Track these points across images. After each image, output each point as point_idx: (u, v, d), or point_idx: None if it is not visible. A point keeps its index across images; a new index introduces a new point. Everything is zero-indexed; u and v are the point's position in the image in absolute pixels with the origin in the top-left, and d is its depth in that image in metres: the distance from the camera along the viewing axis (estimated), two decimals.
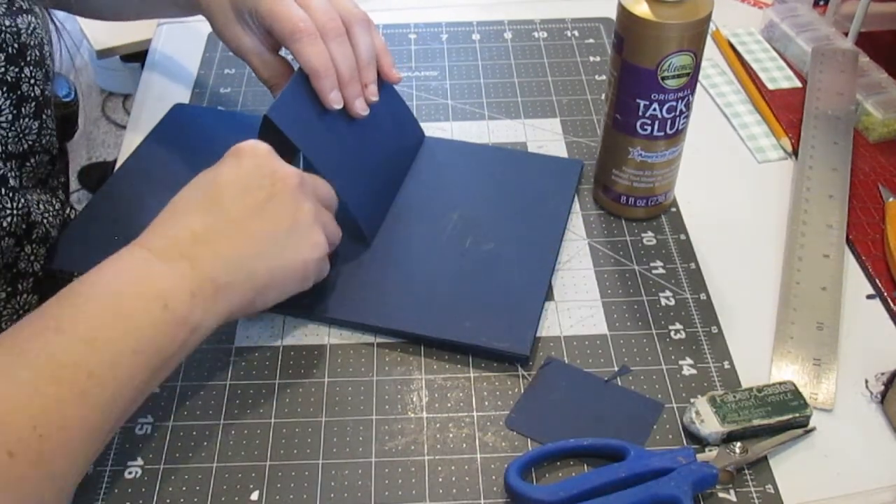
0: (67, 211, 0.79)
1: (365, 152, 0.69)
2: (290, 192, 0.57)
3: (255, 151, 0.58)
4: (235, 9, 0.69)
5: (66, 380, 0.47)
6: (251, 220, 0.56)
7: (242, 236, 0.55)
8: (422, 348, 0.62)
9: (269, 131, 0.62)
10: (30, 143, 0.70)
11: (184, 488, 0.55)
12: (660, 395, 0.59)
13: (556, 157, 0.77)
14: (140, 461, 0.56)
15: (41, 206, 0.71)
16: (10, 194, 0.65)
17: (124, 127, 2.11)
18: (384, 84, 0.70)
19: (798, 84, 0.86)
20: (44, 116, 0.71)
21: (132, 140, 0.82)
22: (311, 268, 0.58)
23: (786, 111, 0.83)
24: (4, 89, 0.66)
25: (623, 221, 0.72)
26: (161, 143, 0.77)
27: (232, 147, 0.58)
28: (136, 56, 1.84)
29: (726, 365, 0.61)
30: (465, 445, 0.57)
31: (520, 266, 0.66)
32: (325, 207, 0.61)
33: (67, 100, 1.12)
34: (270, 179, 0.57)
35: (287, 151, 0.62)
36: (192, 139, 0.78)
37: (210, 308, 0.53)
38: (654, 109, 0.65)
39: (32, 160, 0.71)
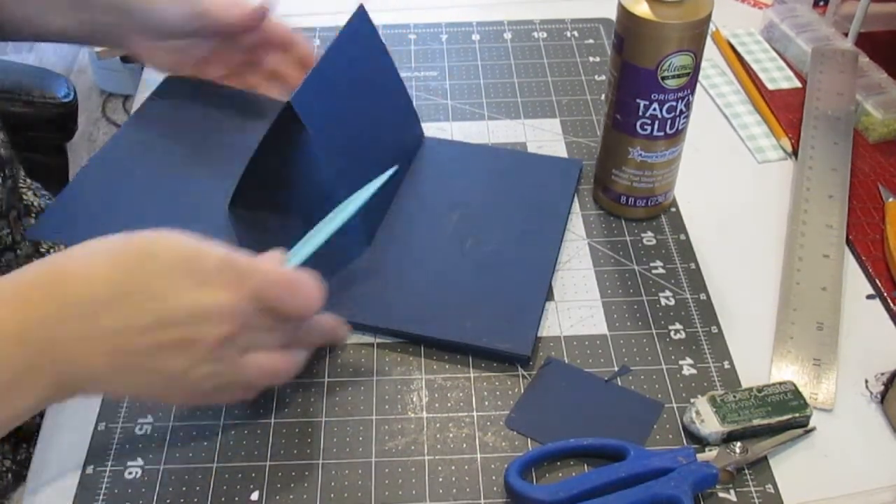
0: None
1: (366, 149, 0.69)
2: (208, 349, 0.48)
3: (219, 277, 0.49)
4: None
5: None
6: (146, 355, 0.48)
7: (122, 362, 0.48)
8: (422, 348, 0.62)
9: (281, 125, 0.62)
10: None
11: (184, 488, 0.55)
12: (660, 395, 0.59)
13: (555, 157, 0.77)
14: (140, 461, 0.56)
15: None
16: None
17: None
18: (390, 79, 0.70)
19: (798, 84, 0.86)
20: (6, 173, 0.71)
21: None
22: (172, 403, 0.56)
23: (786, 111, 0.83)
24: None
25: (623, 221, 0.72)
26: (152, 115, 0.77)
27: (196, 255, 0.49)
28: None
29: (726, 365, 0.61)
30: (465, 445, 0.57)
31: (520, 266, 0.66)
32: (264, 349, 0.52)
33: (66, 100, 1.12)
34: (202, 326, 0.48)
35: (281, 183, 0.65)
36: (183, 112, 0.77)
37: (55, 400, 0.48)
38: (654, 109, 0.65)
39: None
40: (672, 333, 0.63)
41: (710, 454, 0.54)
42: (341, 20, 0.95)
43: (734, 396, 0.57)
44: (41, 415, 0.72)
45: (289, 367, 0.53)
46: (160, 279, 0.47)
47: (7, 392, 0.46)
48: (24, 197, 0.80)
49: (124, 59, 2.20)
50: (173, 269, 0.48)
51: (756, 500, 0.53)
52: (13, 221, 0.74)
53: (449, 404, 0.59)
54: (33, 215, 0.78)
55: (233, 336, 0.49)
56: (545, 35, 0.94)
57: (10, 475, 0.70)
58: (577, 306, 0.65)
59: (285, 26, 0.77)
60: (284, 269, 0.52)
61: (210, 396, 0.52)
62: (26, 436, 0.72)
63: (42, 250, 0.78)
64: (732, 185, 0.76)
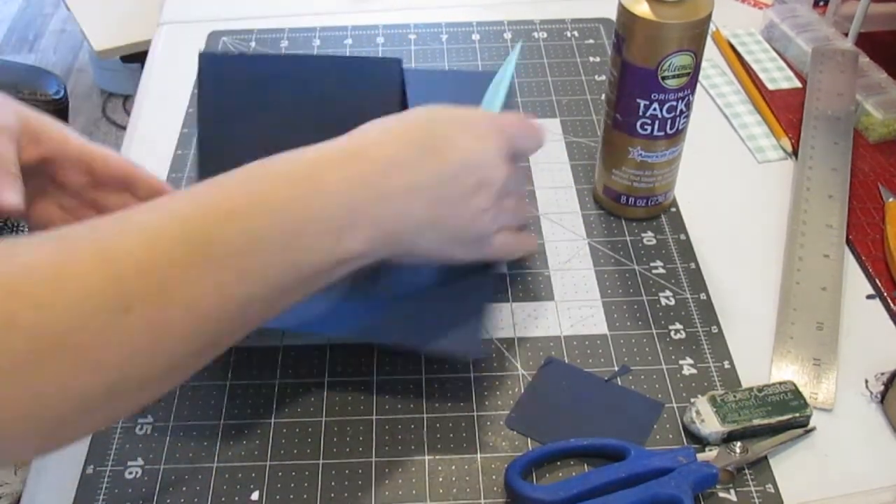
0: None
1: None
2: (487, 203, 0.55)
3: (480, 132, 0.55)
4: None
5: (216, 260, 0.45)
6: (444, 206, 0.53)
7: (432, 212, 0.53)
8: None
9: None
10: None
11: (184, 488, 0.55)
12: (660, 395, 0.59)
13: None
14: (140, 461, 0.56)
15: None
16: None
17: (124, 128, 2.11)
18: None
19: (798, 84, 0.86)
20: None
21: (132, 141, 0.82)
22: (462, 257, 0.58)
23: (786, 111, 0.83)
24: None
25: (623, 221, 0.72)
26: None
27: (501, 115, 0.59)
28: (136, 56, 1.84)
29: (726, 365, 0.61)
30: (465, 445, 0.57)
31: None
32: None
33: (57, 97, 1.13)
34: (480, 180, 0.54)
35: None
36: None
37: (376, 253, 0.52)
38: (655, 109, 0.65)
39: None
40: (672, 333, 0.63)
41: (710, 454, 0.54)
42: (341, 20, 0.96)
43: (734, 396, 0.57)
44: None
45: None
46: (450, 134, 0.54)
47: (343, 231, 0.50)
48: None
49: (125, 59, 2.21)
50: (454, 125, 0.55)
51: (756, 500, 0.53)
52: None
53: (449, 404, 0.59)
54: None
55: (503, 191, 0.55)
56: (545, 35, 0.94)
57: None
58: (577, 306, 0.65)
59: (122, 161, 0.66)
60: (522, 118, 0.59)
61: (488, 254, 0.58)
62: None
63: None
64: (732, 185, 0.76)
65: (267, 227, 0.47)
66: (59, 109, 1.12)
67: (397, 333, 0.60)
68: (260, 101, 0.65)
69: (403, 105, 0.67)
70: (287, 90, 0.65)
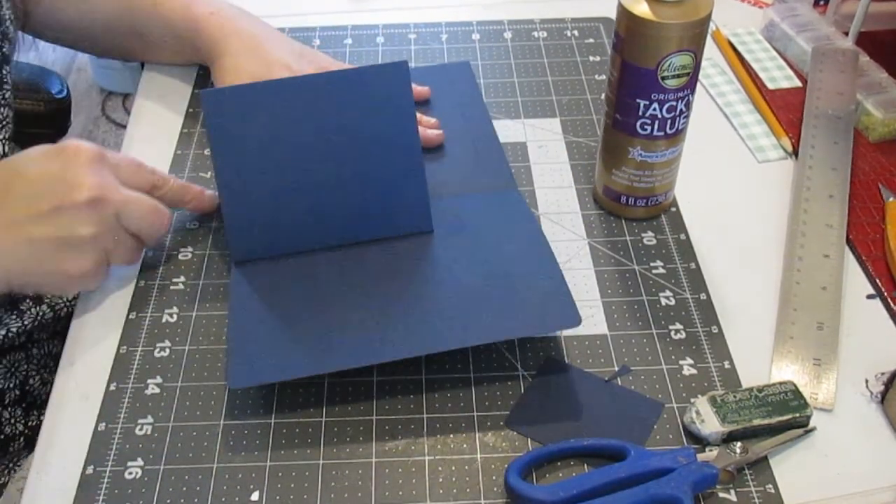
0: None
1: (309, 192, 0.66)
2: (78, 209, 0.58)
3: (75, 153, 0.60)
4: None
5: None
6: (28, 224, 0.58)
7: (11, 236, 0.58)
8: None
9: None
10: None
11: (184, 489, 0.55)
12: (660, 395, 0.59)
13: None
14: (140, 461, 0.56)
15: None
16: None
17: (124, 126, 2.11)
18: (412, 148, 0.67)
19: (798, 84, 0.86)
20: (3, 72, 0.73)
21: (132, 139, 0.82)
22: (70, 284, 0.62)
23: (786, 111, 0.83)
24: None
25: (623, 221, 0.72)
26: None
27: (62, 141, 0.62)
28: None
29: (726, 365, 0.61)
30: (465, 446, 0.57)
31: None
32: (131, 232, 0.62)
33: (60, 96, 1.13)
34: (64, 189, 0.58)
35: None
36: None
37: None
38: (654, 109, 0.65)
39: None
40: (672, 333, 0.63)
41: (710, 454, 0.54)
42: (341, 20, 0.96)
43: (734, 396, 0.57)
44: (30, 428, 0.73)
45: (124, 254, 0.63)
46: (32, 163, 0.60)
47: None
48: None
49: (122, 60, 2.20)
50: (42, 153, 0.61)
51: (756, 501, 0.53)
52: None
53: (449, 404, 0.59)
54: None
55: (102, 199, 0.59)
56: (545, 34, 0.94)
57: (22, 439, 0.74)
58: (577, 306, 0.65)
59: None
60: (131, 157, 0.65)
61: (100, 263, 0.61)
62: (37, 403, 0.73)
63: None
64: (733, 185, 0.76)
65: None
66: (62, 109, 1.12)
67: (480, 334, 0.59)
68: (272, 130, 0.65)
69: (413, 108, 0.66)
70: (297, 113, 0.65)
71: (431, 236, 0.68)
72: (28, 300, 0.74)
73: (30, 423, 0.74)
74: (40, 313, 0.74)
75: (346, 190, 0.66)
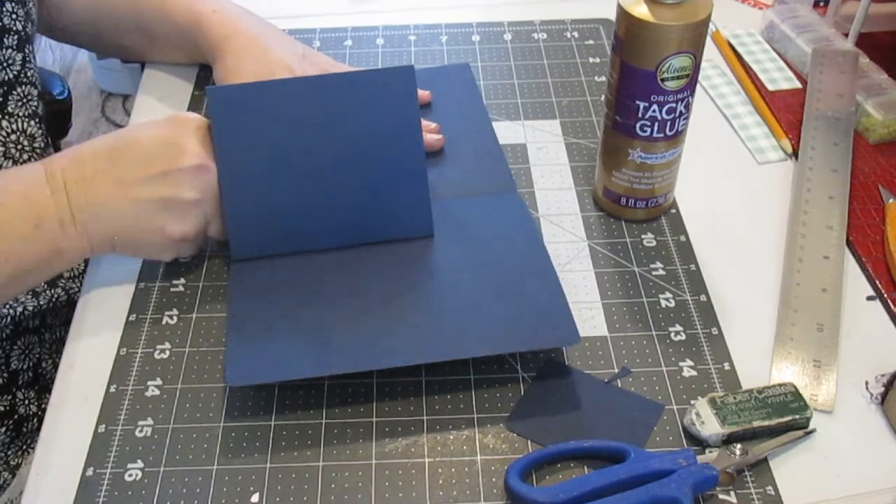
0: None
1: (308, 188, 0.66)
2: (183, 174, 0.62)
3: (183, 124, 0.64)
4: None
5: None
6: (137, 185, 0.61)
7: (121, 195, 0.61)
8: None
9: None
10: (14, 73, 0.74)
11: (184, 490, 0.55)
12: (660, 397, 0.59)
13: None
14: (140, 463, 0.56)
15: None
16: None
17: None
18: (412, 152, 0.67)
19: (798, 85, 0.86)
20: (26, 51, 0.75)
21: None
22: (170, 246, 0.64)
23: (786, 112, 0.83)
24: None
25: (623, 223, 0.72)
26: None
27: (176, 113, 0.65)
28: None
29: (726, 366, 0.61)
30: (465, 447, 0.57)
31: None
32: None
33: (61, 97, 1.13)
34: (174, 154, 0.62)
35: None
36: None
37: (73, 240, 0.60)
38: (654, 111, 0.65)
39: (19, 90, 0.74)
40: (672, 335, 0.63)
41: (710, 456, 0.54)
42: (341, 22, 0.96)
43: (734, 398, 0.57)
44: (43, 410, 0.73)
45: (217, 225, 0.66)
46: (146, 129, 0.64)
47: (41, 218, 0.60)
48: None
49: (124, 59, 2.20)
50: (156, 122, 0.64)
51: (756, 502, 0.53)
52: None
53: (449, 406, 0.59)
54: None
55: (205, 166, 0.62)
56: (545, 36, 0.94)
57: (35, 420, 0.75)
58: (577, 308, 0.65)
59: None
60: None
61: (202, 228, 0.64)
62: (50, 387, 0.74)
63: None
64: (733, 187, 0.76)
65: None
66: (63, 110, 1.12)
67: (480, 346, 0.60)
68: (276, 129, 0.65)
69: (418, 112, 0.66)
70: (302, 114, 0.65)
71: (432, 240, 0.68)
72: (43, 283, 0.75)
73: (43, 406, 0.76)
74: (55, 296, 0.76)
75: (348, 192, 0.66)
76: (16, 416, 0.74)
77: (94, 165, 0.61)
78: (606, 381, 0.60)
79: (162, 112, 0.85)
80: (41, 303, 0.75)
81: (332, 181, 0.66)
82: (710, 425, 0.56)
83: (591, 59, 0.90)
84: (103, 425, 0.58)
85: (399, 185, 0.67)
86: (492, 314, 0.61)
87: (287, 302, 0.63)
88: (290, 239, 0.67)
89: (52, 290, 0.76)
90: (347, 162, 0.66)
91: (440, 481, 0.55)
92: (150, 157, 0.61)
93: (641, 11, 0.61)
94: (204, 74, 0.89)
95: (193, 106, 0.85)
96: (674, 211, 0.73)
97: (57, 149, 1.16)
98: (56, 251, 0.60)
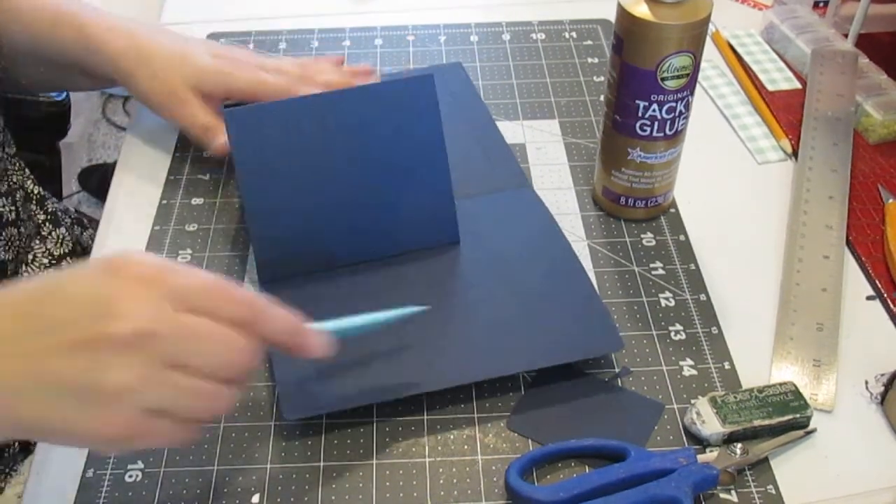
0: (53, 205, 0.80)
1: (334, 209, 0.65)
2: (111, 344, 0.43)
3: (124, 268, 0.45)
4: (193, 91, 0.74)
5: None
6: (45, 356, 0.43)
7: (23, 367, 0.43)
8: None
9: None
10: None
11: (184, 492, 0.55)
12: (660, 396, 0.59)
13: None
14: (140, 464, 0.56)
15: None
16: None
17: (124, 129, 2.11)
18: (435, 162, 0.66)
19: (798, 85, 0.86)
20: None
21: (132, 142, 0.82)
22: (98, 444, 0.46)
23: (785, 112, 0.83)
24: None
25: (622, 222, 0.72)
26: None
27: (119, 256, 0.46)
28: None
29: (727, 365, 0.61)
30: (465, 447, 0.57)
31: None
32: (215, 371, 0.46)
33: (59, 99, 1.13)
34: (100, 316, 0.43)
35: None
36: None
37: None
38: (654, 110, 0.65)
39: None
40: (672, 334, 0.63)
41: (710, 455, 0.54)
42: (339, 22, 0.96)
43: (735, 397, 0.57)
44: None
45: (221, 402, 0.46)
46: (74, 279, 0.46)
47: None
48: (26, 183, 0.80)
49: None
50: (90, 268, 0.46)
51: (757, 502, 0.53)
52: (19, 202, 0.75)
53: (449, 406, 0.59)
54: (33, 202, 0.79)
55: (148, 333, 0.43)
56: (543, 36, 0.94)
57: (16, 444, 0.71)
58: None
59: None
60: (210, 275, 0.47)
61: (138, 423, 0.44)
62: None
63: (43, 234, 0.79)
64: (732, 186, 0.76)
65: None
66: (62, 112, 1.12)
67: (525, 360, 0.60)
68: (297, 147, 0.64)
69: (440, 122, 0.66)
70: (322, 130, 0.64)
71: (458, 248, 0.68)
72: None
73: None
74: None
75: (372, 205, 0.66)
76: None
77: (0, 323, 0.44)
78: (607, 380, 0.60)
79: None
80: None
81: (357, 196, 0.65)
82: (710, 424, 0.56)
83: (589, 60, 0.90)
84: None
85: (424, 196, 0.67)
86: (532, 328, 0.61)
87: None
88: (316, 257, 0.66)
89: None
90: (371, 176, 0.65)
91: (441, 481, 0.55)
92: (70, 318, 0.43)
93: (641, 11, 0.61)
94: None
95: None
96: (673, 210, 0.73)
97: (55, 150, 1.16)
98: None
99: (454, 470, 0.56)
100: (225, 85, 0.75)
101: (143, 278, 0.44)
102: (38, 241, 0.78)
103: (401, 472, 0.56)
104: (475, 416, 0.58)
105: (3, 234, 0.72)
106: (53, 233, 0.79)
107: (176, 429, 0.45)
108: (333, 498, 0.54)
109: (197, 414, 0.46)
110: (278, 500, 0.54)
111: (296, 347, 0.49)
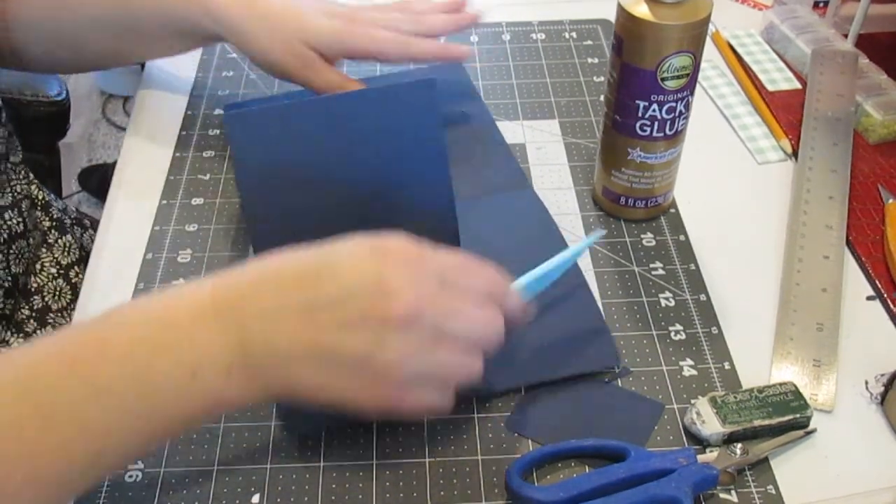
0: (58, 211, 0.80)
1: (336, 216, 0.64)
2: (392, 326, 0.46)
3: (391, 256, 0.48)
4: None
5: (55, 425, 0.43)
6: (329, 332, 0.46)
7: (308, 338, 0.47)
8: None
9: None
10: None
11: (184, 492, 0.55)
12: (660, 396, 0.59)
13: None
14: (140, 465, 0.56)
15: None
16: None
17: (124, 129, 2.11)
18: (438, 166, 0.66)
19: (798, 85, 0.86)
20: None
21: (132, 142, 0.82)
22: (364, 410, 0.48)
23: (785, 112, 0.83)
24: None
25: (622, 222, 0.72)
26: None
27: (380, 239, 0.49)
28: None
29: (726, 366, 0.61)
30: (465, 447, 0.57)
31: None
32: (471, 345, 0.50)
33: (59, 99, 1.13)
34: (380, 298, 0.46)
35: None
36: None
37: (243, 389, 0.47)
38: (654, 110, 0.65)
39: None
40: (672, 334, 0.63)
41: (710, 455, 0.54)
42: None
43: (735, 397, 0.57)
44: None
45: (474, 369, 0.50)
46: (345, 259, 0.48)
47: (200, 365, 0.46)
48: (31, 190, 0.80)
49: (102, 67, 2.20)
50: (357, 249, 0.49)
51: (757, 502, 0.53)
52: (26, 211, 0.75)
53: None
54: (38, 208, 0.79)
55: (419, 313, 0.46)
56: (543, 36, 0.94)
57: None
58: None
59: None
60: (464, 255, 0.51)
61: (402, 393, 0.48)
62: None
63: (49, 241, 0.79)
64: (732, 186, 0.76)
65: (109, 375, 0.44)
66: (61, 111, 1.12)
67: (528, 374, 0.60)
68: (298, 152, 0.63)
69: (442, 126, 0.65)
70: (324, 135, 0.63)
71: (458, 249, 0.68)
72: (32, 321, 0.74)
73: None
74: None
75: (373, 207, 0.65)
76: None
77: (277, 297, 0.47)
78: (607, 380, 0.60)
79: (161, 115, 0.84)
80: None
81: (357, 197, 0.65)
82: (710, 424, 0.56)
83: (589, 60, 0.90)
84: None
85: (424, 197, 0.66)
86: (533, 342, 0.61)
87: None
88: None
89: (42, 330, 0.74)
90: (371, 177, 0.65)
91: (441, 481, 0.55)
92: (345, 295, 0.47)
93: (641, 11, 0.61)
94: (202, 76, 0.89)
95: (192, 106, 0.85)
96: (673, 210, 0.73)
97: (54, 150, 1.16)
98: (215, 403, 0.47)
99: (454, 470, 0.56)
100: (341, 45, 0.74)
101: (409, 261, 0.48)
102: (44, 250, 0.78)
103: (401, 472, 0.56)
104: (475, 416, 0.58)
105: (14, 246, 0.72)
106: (60, 240, 0.79)
107: (434, 396, 0.49)
108: (333, 498, 0.54)
109: (453, 381, 0.50)
110: (278, 500, 0.54)
111: (515, 321, 0.53)
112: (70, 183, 2.01)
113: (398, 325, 0.46)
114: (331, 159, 0.64)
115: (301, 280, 0.48)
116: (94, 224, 0.87)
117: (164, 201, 0.75)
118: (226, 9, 0.72)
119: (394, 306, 0.46)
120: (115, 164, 0.82)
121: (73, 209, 0.89)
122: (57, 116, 1.13)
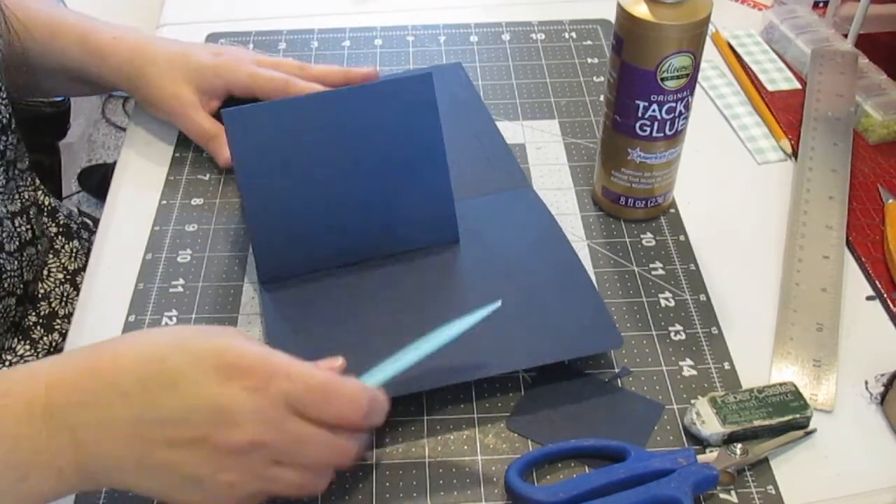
0: (65, 217, 0.80)
1: (334, 209, 0.65)
2: (230, 453, 0.46)
3: (248, 379, 0.47)
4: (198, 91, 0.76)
5: None
6: (160, 449, 0.46)
7: (140, 452, 0.46)
8: None
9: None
10: None
11: None
12: (660, 396, 0.59)
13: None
14: None
15: None
16: None
17: (124, 129, 2.11)
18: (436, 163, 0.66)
19: (798, 86, 0.86)
20: None
21: (132, 142, 0.82)
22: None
23: (785, 113, 0.83)
24: None
25: (622, 222, 0.72)
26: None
27: (230, 351, 0.47)
28: None
29: (726, 366, 0.61)
30: (465, 447, 0.57)
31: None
32: (320, 467, 0.50)
33: (59, 99, 1.13)
34: (223, 427, 0.46)
35: None
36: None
37: (78, 485, 0.48)
38: (654, 110, 0.65)
39: None
40: (672, 334, 0.63)
41: (710, 455, 0.54)
42: (339, 22, 0.96)
43: (735, 397, 0.57)
44: None
45: (318, 487, 0.51)
46: (188, 370, 0.47)
47: (31, 468, 0.46)
48: (38, 196, 0.79)
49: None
50: (203, 362, 0.47)
51: (757, 502, 0.53)
52: (33, 218, 0.75)
53: (449, 406, 0.59)
54: (45, 214, 0.79)
55: (260, 444, 0.46)
56: (543, 36, 0.94)
57: None
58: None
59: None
60: (324, 373, 0.49)
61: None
62: None
63: (56, 247, 0.78)
64: (732, 187, 0.76)
65: None
66: (61, 112, 1.12)
67: (527, 357, 0.60)
68: (296, 147, 0.64)
69: (439, 120, 0.65)
70: (322, 130, 0.64)
71: (458, 247, 0.68)
72: (39, 327, 0.74)
73: None
74: (53, 342, 0.74)
75: (372, 205, 0.66)
76: None
77: (111, 406, 0.46)
78: (607, 380, 0.60)
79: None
80: (39, 353, 0.73)
81: (357, 195, 0.65)
82: (710, 424, 0.56)
83: (589, 60, 0.90)
84: None
85: (423, 195, 0.66)
86: (530, 326, 0.61)
87: (326, 328, 0.62)
88: (316, 256, 0.66)
89: (49, 336, 0.74)
90: (370, 175, 0.65)
91: (441, 481, 0.55)
92: (183, 416, 0.46)
93: (642, 11, 0.61)
94: None
95: None
96: (673, 211, 0.73)
97: (55, 150, 1.16)
98: (52, 496, 0.47)
99: (454, 470, 0.55)
100: (224, 80, 0.76)
101: (256, 387, 0.46)
102: (52, 256, 0.78)
103: (400, 472, 0.55)
104: (475, 416, 0.58)
105: (25, 253, 0.72)
106: (67, 246, 0.80)
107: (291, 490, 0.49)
108: (333, 498, 0.54)
109: (291, 496, 0.50)
110: (278, 499, 0.54)
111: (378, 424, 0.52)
112: (70, 183, 2.00)
113: (237, 452, 0.46)
114: (330, 154, 0.64)
115: (139, 387, 0.46)
116: (97, 225, 0.87)
117: (164, 201, 0.75)
118: (120, 60, 0.76)
119: (233, 437, 0.46)
120: (115, 164, 0.82)
121: (77, 212, 0.89)
122: (57, 117, 1.14)
